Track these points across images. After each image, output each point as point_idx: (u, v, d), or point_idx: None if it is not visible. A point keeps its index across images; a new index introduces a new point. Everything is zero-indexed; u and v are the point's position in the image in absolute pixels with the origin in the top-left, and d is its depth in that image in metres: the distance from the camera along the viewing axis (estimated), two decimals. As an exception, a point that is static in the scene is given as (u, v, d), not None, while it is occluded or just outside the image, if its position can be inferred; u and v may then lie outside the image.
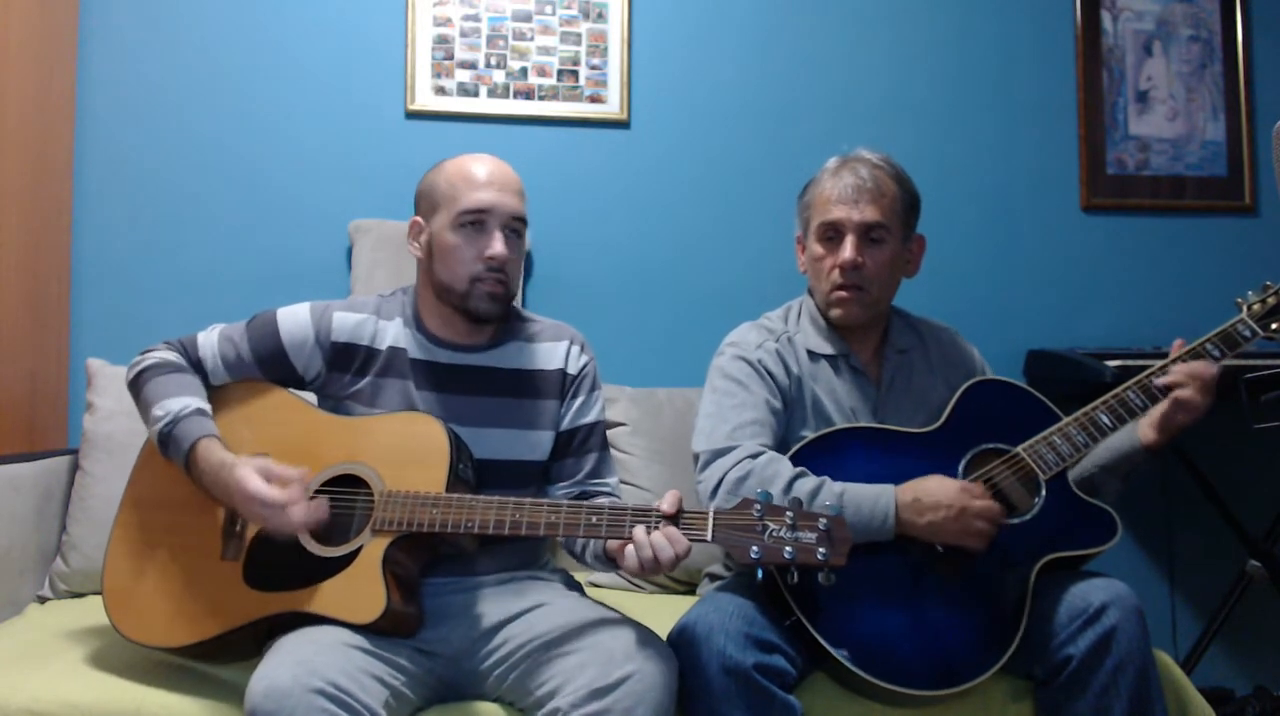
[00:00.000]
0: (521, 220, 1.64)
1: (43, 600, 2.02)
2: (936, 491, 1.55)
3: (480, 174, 1.62)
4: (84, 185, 2.42)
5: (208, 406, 1.57)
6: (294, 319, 1.65)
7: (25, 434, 2.16)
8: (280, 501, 1.43)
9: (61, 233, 2.35)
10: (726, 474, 1.58)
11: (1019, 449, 1.64)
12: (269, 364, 1.64)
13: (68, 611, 1.89)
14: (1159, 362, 1.67)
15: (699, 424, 1.70)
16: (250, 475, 1.46)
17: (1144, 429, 1.66)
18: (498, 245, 1.59)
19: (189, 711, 1.43)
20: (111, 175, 2.43)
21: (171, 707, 1.43)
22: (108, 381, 2.11)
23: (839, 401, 1.74)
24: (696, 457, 1.66)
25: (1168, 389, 1.62)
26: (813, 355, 1.77)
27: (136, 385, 1.61)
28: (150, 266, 2.42)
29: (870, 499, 1.54)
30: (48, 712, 1.42)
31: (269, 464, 1.47)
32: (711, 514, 1.36)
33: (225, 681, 1.50)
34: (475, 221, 1.60)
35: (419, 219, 1.67)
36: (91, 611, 1.82)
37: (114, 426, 2.06)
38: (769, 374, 1.72)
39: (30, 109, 2.19)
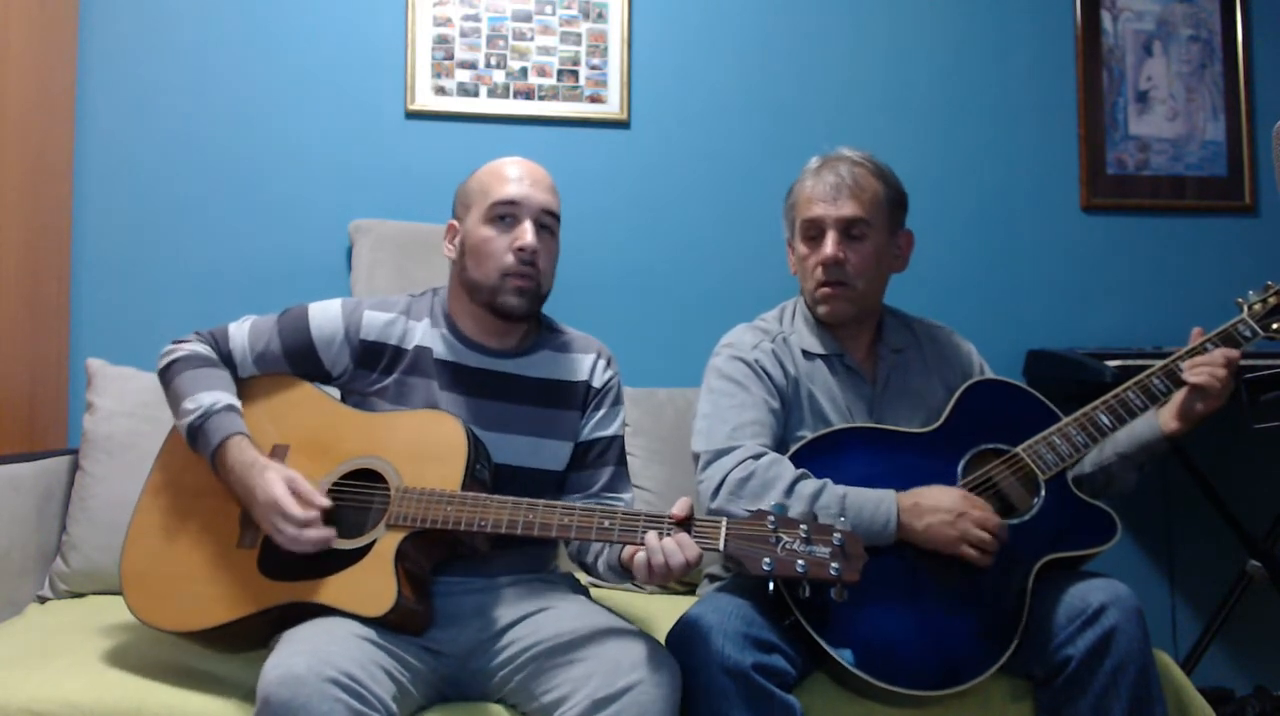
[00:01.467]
0: (553, 215, 1.66)
1: (43, 600, 2.02)
2: (938, 496, 1.55)
3: (512, 170, 1.66)
4: (84, 185, 2.42)
5: (238, 402, 1.59)
6: (325, 314, 1.66)
7: (25, 434, 2.16)
8: (298, 518, 1.44)
9: (61, 233, 2.35)
10: (728, 474, 1.58)
11: (1018, 449, 1.65)
12: (297, 358, 1.65)
13: (68, 611, 1.89)
14: (1158, 363, 1.68)
15: (697, 425, 1.70)
16: (277, 481, 1.47)
17: (1165, 418, 1.68)
18: (528, 236, 1.60)
19: (191, 711, 1.43)
20: (111, 175, 2.43)
21: (173, 707, 1.43)
22: (108, 381, 2.11)
23: (835, 401, 1.74)
24: (696, 458, 1.66)
25: (1185, 381, 1.64)
26: (808, 355, 1.77)
27: (167, 376, 1.62)
28: (150, 266, 2.42)
29: (872, 503, 1.54)
30: (48, 712, 1.42)
31: (298, 478, 1.48)
32: (725, 523, 1.35)
33: (227, 681, 1.50)
34: (506, 214, 1.62)
35: (454, 222, 1.69)
36: (92, 611, 1.83)
37: (114, 426, 2.06)
38: (766, 374, 1.72)
39: (30, 109, 2.19)
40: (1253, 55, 2.77)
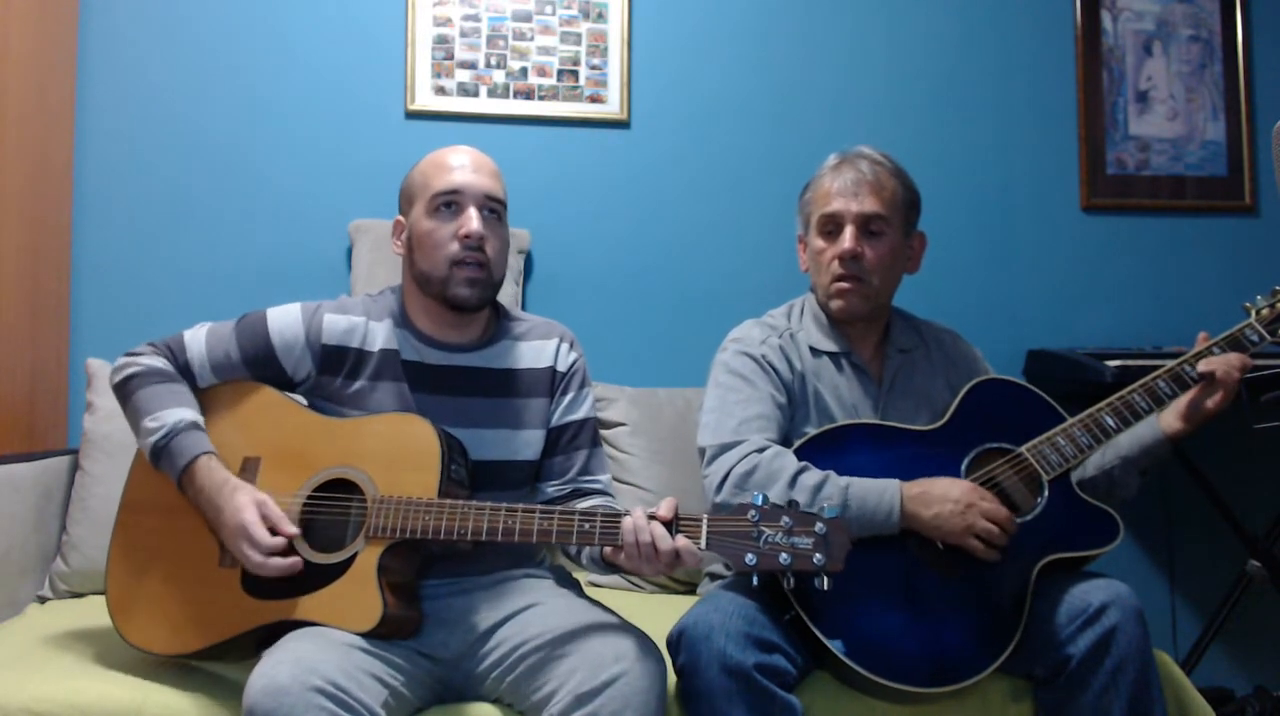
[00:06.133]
0: (498, 201, 1.63)
1: (43, 600, 2.02)
2: (946, 487, 1.55)
3: (452, 159, 1.63)
4: (84, 185, 2.41)
5: (201, 419, 1.56)
6: (284, 320, 1.63)
7: (25, 434, 2.16)
8: (265, 546, 1.43)
9: (61, 233, 2.35)
10: (733, 468, 1.58)
11: (1022, 449, 1.65)
12: (257, 364, 1.62)
13: (68, 611, 1.89)
14: (1161, 363, 1.68)
15: (703, 419, 1.70)
16: (248, 505, 1.45)
17: (1168, 419, 1.68)
18: (473, 223, 1.58)
19: (190, 711, 1.43)
20: (111, 175, 2.42)
21: (172, 707, 1.43)
22: (108, 381, 2.10)
23: (841, 398, 1.74)
24: (702, 452, 1.66)
25: (1198, 377, 1.64)
26: (815, 352, 1.77)
27: (124, 392, 1.59)
28: (150, 266, 2.42)
29: (876, 493, 1.54)
30: (48, 712, 1.42)
31: (269, 502, 1.47)
32: (705, 521, 1.35)
33: (227, 681, 1.50)
34: (449, 203, 1.60)
35: (400, 218, 1.68)
36: (92, 611, 1.82)
37: (114, 426, 2.05)
38: (773, 369, 1.72)
39: (30, 109, 2.19)
40: (1253, 55, 2.77)
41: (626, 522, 1.37)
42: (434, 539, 1.44)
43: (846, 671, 1.49)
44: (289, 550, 1.46)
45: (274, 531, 1.45)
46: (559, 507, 1.45)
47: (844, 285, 1.73)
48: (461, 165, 1.62)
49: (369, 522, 1.46)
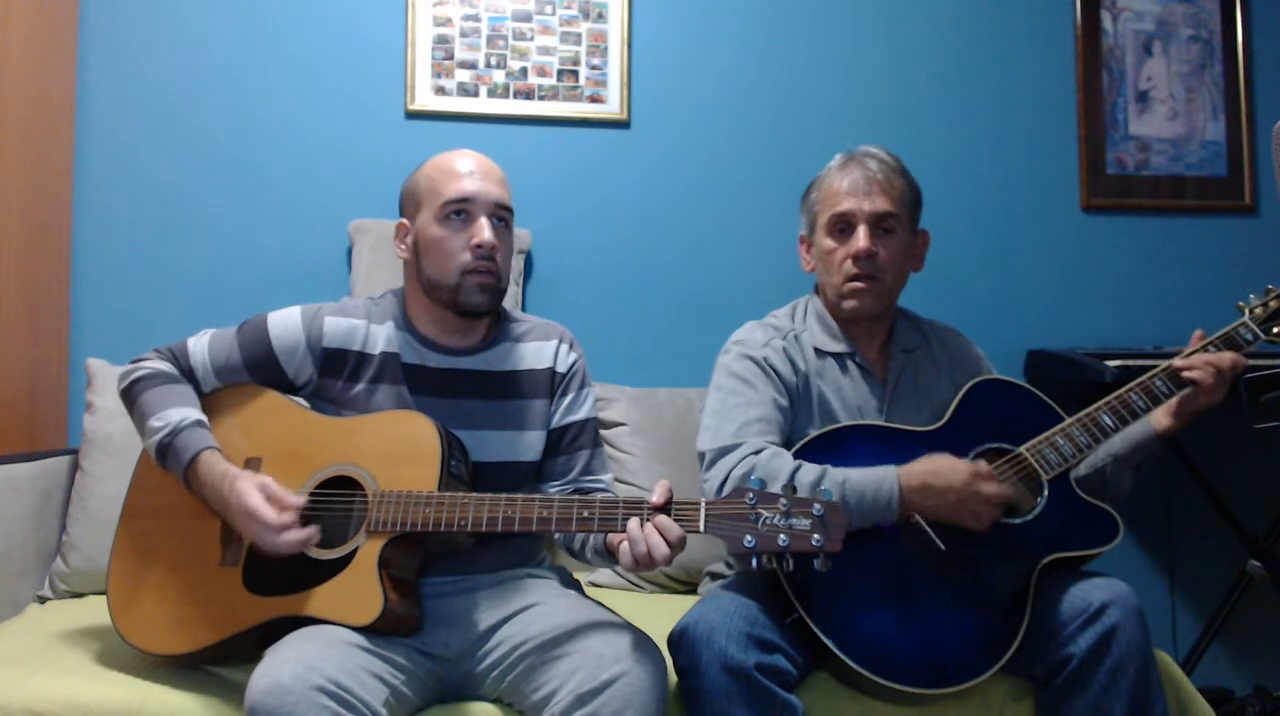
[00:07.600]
0: (507, 209, 1.64)
1: (43, 600, 2.02)
2: (947, 475, 1.54)
3: (461, 165, 1.63)
4: (84, 185, 2.41)
5: (205, 418, 1.58)
6: (285, 324, 1.64)
7: (25, 434, 2.16)
8: (275, 523, 1.43)
9: (61, 233, 2.35)
10: (731, 472, 1.58)
11: (1022, 448, 1.65)
12: (259, 369, 1.64)
13: (68, 611, 1.89)
14: (1161, 363, 1.68)
15: (704, 422, 1.70)
16: (250, 490, 1.46)
17: (1158, 416, 1.68)
18: (485, 232, 1.59)
19: (190, 711, 1.43)
20: (111, 175, 2.43)
21: (172, 707, 1.43)
22: (108, 381, 2.11)
23: (845, 400, 1.74)
24: (702, 457, 1.66)
25: (1183, 378, 1.65)
26: (820, 353, 1.77)
27: (130, 395, 1.61)
28: (150, 266, 2.42)
29: (874, 483, 1.54)
30: (48, 712, 1.42)
31: (269, 482, 1.48)
32: (703, 505, 1.36)
33: (227, 680, 1.50)
34: (459, 211, 1.60)
35: (404, 221, 1.68)
36: (91, 611, 1.83)
37: (114, 426, 2.06)
38: (775, 372, 1.72)
39: (30, 109, 2.19)
40: (1253, 55, 2.78)
41: (633, 527, 1.36)
42: (435, 532, 1.45)
43: (848, 672, 1.49)
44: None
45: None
46: (558, 497, 1.45)
47: (858, 285, 1.73)
48: (471, 172, 1.63)
49: (370, 517, 1.47)
